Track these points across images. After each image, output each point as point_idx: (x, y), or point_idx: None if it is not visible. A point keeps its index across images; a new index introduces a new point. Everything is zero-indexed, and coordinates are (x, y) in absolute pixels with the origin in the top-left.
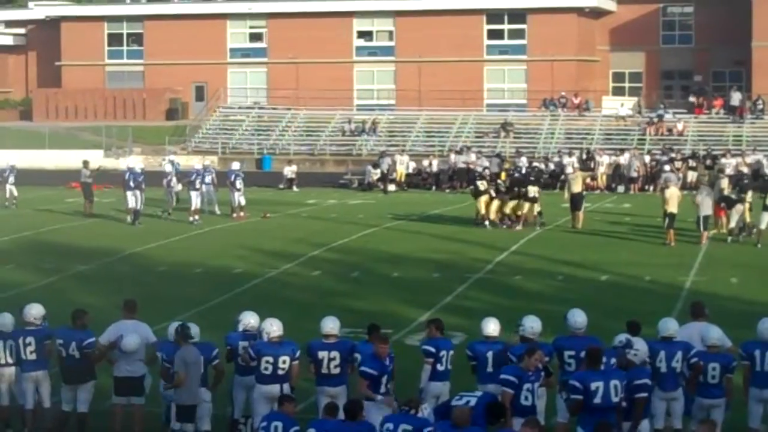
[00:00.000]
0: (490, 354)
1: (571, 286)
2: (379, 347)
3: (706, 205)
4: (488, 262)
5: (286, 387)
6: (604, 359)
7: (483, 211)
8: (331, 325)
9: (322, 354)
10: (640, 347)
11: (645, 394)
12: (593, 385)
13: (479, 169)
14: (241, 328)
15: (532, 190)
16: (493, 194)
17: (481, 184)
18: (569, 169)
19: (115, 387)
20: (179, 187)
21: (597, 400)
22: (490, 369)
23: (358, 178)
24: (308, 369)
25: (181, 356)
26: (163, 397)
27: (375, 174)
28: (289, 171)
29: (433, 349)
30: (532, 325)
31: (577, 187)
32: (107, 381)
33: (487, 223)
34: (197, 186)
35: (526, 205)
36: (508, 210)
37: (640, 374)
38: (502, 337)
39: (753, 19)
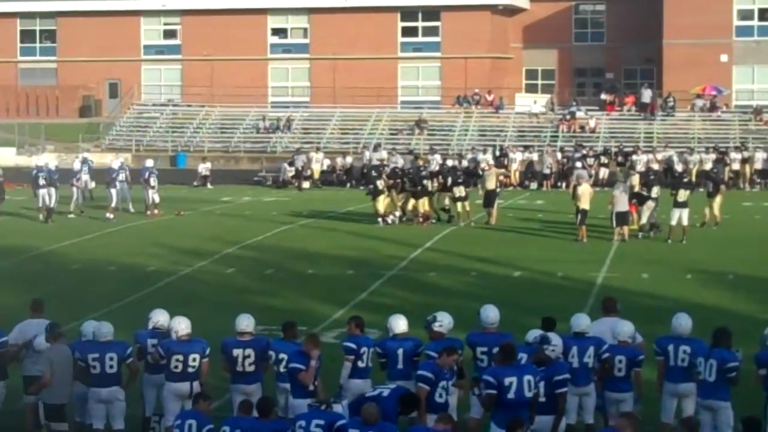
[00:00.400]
0: (400, 351)
1: (484, 283)
2: (311, 350)
3: (621, 201)
4: (402, 259)
5: (196, 385)
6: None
7: (382, 209)
8: (245, 323)
9: (237, 352)
10: (557, 342)
11: (566, 389)
12: (507, 381)
13: (390, 167)
14: (150, 326)
15: (458, 190)
16: (386, 192)
17: (380, 183)
18: (483, 166)
19: (25, 386)
20: (93, 184)
21: (510, 395)
22: (401, 366)
23: (273, 175)
24: (223, 367)
25: (48, 355)
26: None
27: (290, 171)
28: (204, 168)
29: (354, 346)
30: (444, 321)
31: (490, 184)
32: (19, 380)
33: (396, 219)
34: (116, 184)
35: (458, 204)
36: (422, 209)
37: (561, 369)
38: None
39: (664, 17)
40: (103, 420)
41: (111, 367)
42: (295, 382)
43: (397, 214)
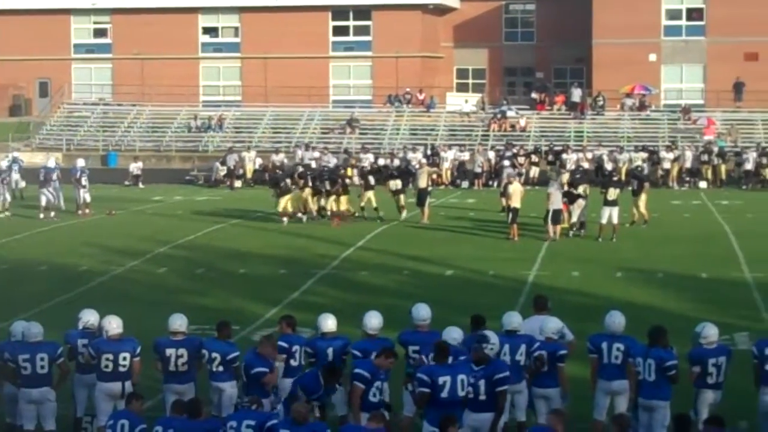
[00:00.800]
0: (330, 350)
1: (416, 281)
2: (273, 353)
3: (556, 199)
4: (334, 258)
5: (128, 385)
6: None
7: (281, 208)
8: (178, 323)
9: (170, 351)
10: (495, 341)
11: (506, 387)
12: (441, 380)
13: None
14: (80, 326)
15: (394, 184)
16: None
17: (288, 181)
18: (415, 164)
19: None
20: (23, 184)
21: (444, 394)
22: None
23: (205, 174)
24: (155, 366)
25: None
26: None
27: (222, 170)
28: (135, 168)
29: (286, 345)
30: (373, 321)
31: (422, 183)
32: None
33: (286, 221)
34: (51, 183)
35: (395, 198)
36: (336, 207)
37: (501, 367)
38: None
39: (593, 17)
40: (34, 421)
41: (42, 367)
42: (254, 384)
43: (283, 218)
